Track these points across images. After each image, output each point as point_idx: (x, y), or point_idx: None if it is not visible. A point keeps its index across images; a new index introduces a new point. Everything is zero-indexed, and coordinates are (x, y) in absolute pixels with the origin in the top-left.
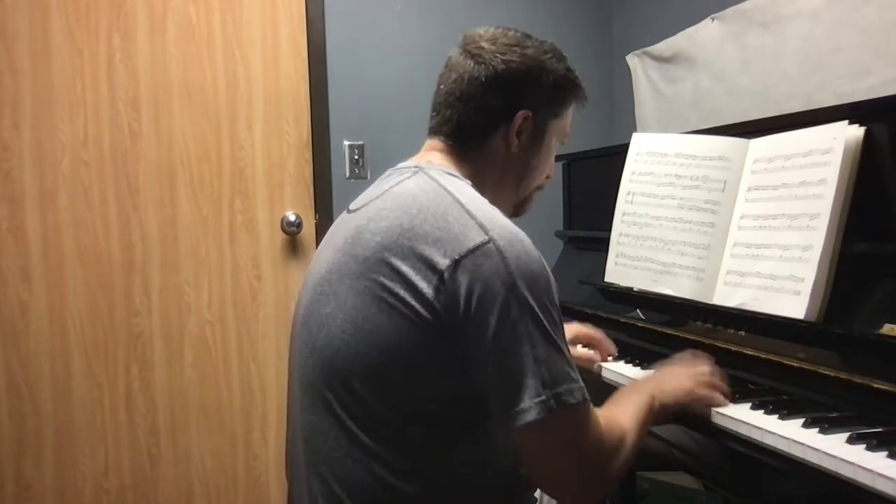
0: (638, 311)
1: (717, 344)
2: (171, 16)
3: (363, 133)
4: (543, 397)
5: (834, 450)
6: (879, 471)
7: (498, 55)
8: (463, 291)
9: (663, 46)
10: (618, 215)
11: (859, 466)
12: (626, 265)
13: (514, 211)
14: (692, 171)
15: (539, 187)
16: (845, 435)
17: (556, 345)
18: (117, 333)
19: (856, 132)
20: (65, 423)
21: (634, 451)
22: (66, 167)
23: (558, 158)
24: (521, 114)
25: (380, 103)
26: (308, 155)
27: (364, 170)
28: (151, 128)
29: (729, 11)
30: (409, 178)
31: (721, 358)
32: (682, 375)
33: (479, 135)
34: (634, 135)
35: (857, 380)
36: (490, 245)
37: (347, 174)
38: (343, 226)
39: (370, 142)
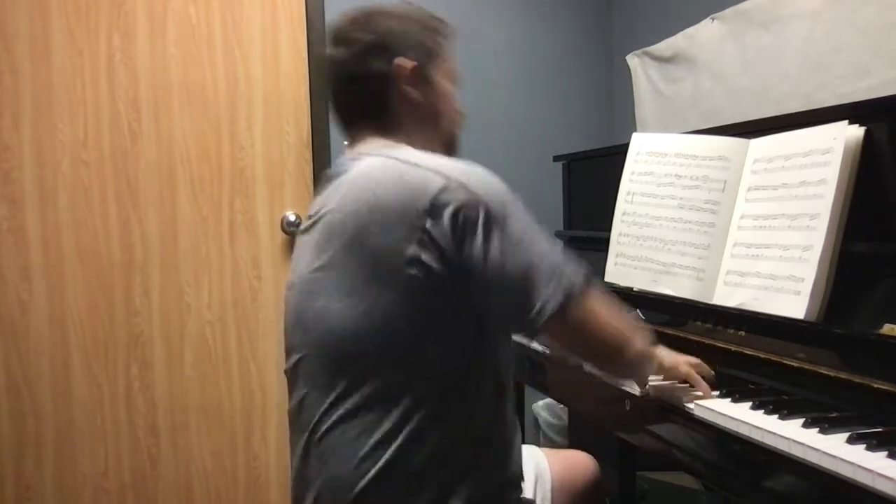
0: (638, 311)
1: (717, 344)
2: (171, 16)
3: None
4: (551, 289)
5: (834, 450)
6: (879, 471)
7: (361, 30)
8: (446, 232)
9: (663, 46)
10: (618, 215)
11: (859, 466)
12: (626, 265)
13: (446, 152)
14: (692, 171)
15: (458, 126)
16: (845, 435)
17: (543, 240)
18: (117, 333)
19: (856, 132)
20: (65, 423)
21: (649, 353)
22: (66, 167)
23: (558, 159)
24: (403, 65)
25: None
26: (308, 155)
27: None
28: (151, 128)
29: (729, 11)
30: (354, 166)
31: (721, 358)
32: (675, 354)
33: (382, 102)
34: (634, 135)
35: (857, 380)
36: (450, 183)
37: None
38: (307, 236)
39: None
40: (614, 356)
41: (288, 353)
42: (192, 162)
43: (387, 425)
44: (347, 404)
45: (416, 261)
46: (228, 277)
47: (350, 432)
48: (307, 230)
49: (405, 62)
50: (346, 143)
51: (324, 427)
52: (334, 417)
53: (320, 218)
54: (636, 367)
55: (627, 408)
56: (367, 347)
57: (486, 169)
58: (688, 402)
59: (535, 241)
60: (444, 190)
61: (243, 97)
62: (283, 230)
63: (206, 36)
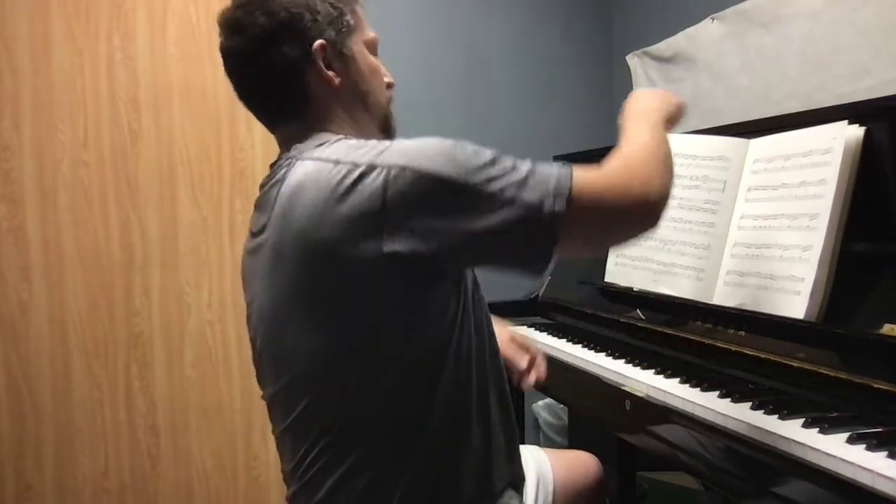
0: (638, 311)
1: (717, 344)
2: (171, 16)
3: None
4: (546, 209)
5: (834, 450)
6: (879, 471)
7: (256, 12)
8: (404, 226)
9: (663, 46)
10: None
11: (859, 466)
12: (626, 265)
13: (384, 132)
14: (692, 171)
15: (389, 100)
16: (845, 435)
17: (506, 170)
18: (117, 333)
19: (856, 132)
20: (65, 423)
21: (663, 152)
22: (66, 167)
23: (558, 159)
24: (315, 46)
25: None
26: None
27: None
28: (151, 128)
29: (729, 11)
30: (289, 172)
31: (721, 358)
32: (653, 93)
33: (301, 92)
34: None
35: (857, 380)
36: (385, 171)
37: None
38: (256, 249)
39: None
40: (644, 214)
41: (262, 384)
42: (192, 162)
43: (350, 461)
44: (317, 449)
45: (374, 261)
46: (228, 277)
47: (316, 468)
48: (254, 251)
49: (317, 42)
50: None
51: (297, 465)
52: (308, 460)
53: (266, 241)
54: (665, 193)
55: (628, 408)
56: (327, 384)
57: (422, 137)
58: None
59: (495, 182)
60: (385, 183)
61: None
62: None
63: (206, 36)
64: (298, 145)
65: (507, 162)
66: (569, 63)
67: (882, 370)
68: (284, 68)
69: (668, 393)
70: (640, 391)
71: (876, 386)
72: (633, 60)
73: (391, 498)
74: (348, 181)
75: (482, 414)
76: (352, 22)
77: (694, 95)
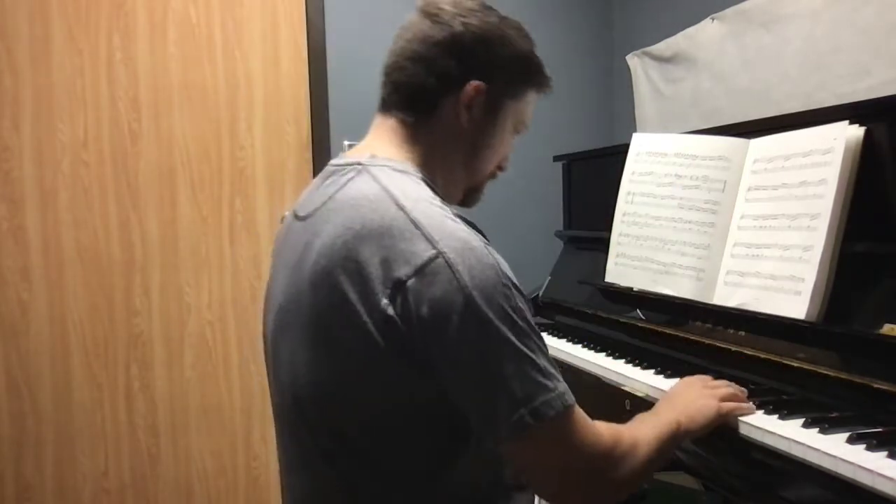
0: (638, 311)
1: (717, 344)
2: (171, 16)
3: (363, 133)
4: (516, 417)
5: (834, 450)
6: (879, 471)
7: (458, 17)
8: (414, 315)
9: (663, 46)
10: (618, 215)
11: (859, 466)
12: (626, 265)
13: (464, 200)
14: (692, 171)
15: (491, 175)
16: (845, 435)
17: (526, 356)
18: (117, 333)
19: (856, 132)
20: (65, 423)
21: (649, 467)
22: (66, 167)
23: (558, 159)
24: (473, 83)
25: None
26: (308, 155)
27: None
28: (151, 128)
29: (729, 11)
30: (352, 180)
31: (721, 358)
32: (703, 395)
33: (430, 100)
34: (634, 135)
35: (857, 380)
36: (439, 260)
37: None
38: (293, 238)
39: None
40: (585, 495)
41: (267, 372)
42: (192, 162)
43: (340, 483)
44: (313, 452)
45: (379, 326)
46: (228, 277)
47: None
48: (293, 239)
49: (478, 82)
50: (346, 143)
51: (296, 482)
52: (304, 477)
53: (305, 233)
54: (617, 497)
55: (628, 408)
56: (328, 401)
57: (488, 247)
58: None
59: (510, 356)
60: (429, 266)
61: (243, 97)
62: None
63: (206, 36)
64: (382, 150)
65: (535, 339)
66: (569, 63)
67: (882, 370)
68: (438, 74)
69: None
70: (641, 391)
71: (876, 386)
72: (633, 60)
73: None
74: (397, 234)
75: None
76: (522, 94)
77: (694, 95)
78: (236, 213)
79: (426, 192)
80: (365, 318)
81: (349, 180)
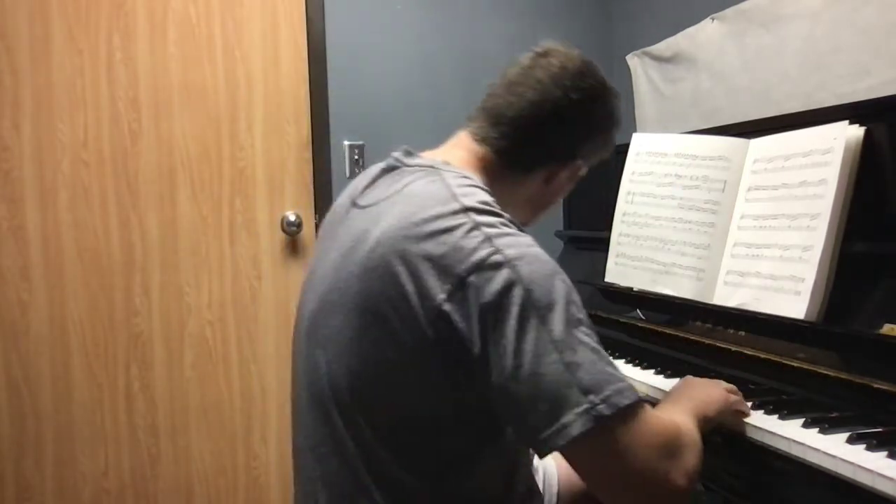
0: (638, 311)
1: (717, 344)
2: (171, 16)
3: (363, 133)
4: (587, 405)
5: (834, 450)
6: (879, 471)
7: (586, 103)
8: (474, 310)
9: (663, 46)
10: (618, 215)
11: (859, 466)
12: (626, 265)
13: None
14: (692, 171)
15: (538, 218)
16: (845, 435)
17: (589, 345)
18: (117, 333)
19: (856, 132)
20: (65, 423)
21: (701, 450)
22: (66, 167)
23: None
24: (575, 165)
25: (380, 103)
26: (308, 155)
27: (364, 170)
28: (151, 128)
29: (729, 11)
30: (421, 178)
31: (721, 358)
32: (711, 384)
33: (527, 165)
34: (634, 135)
35: (857, 380)
36: (498, 256)
37: (347, 174)
38: (352, 224)
39: (370, 142)
40: (653, 496)
41: (295, 353)
42: (192, 162)
43: (373, 474)
44: (346, 435)
45: (431, 320)
46: (228, 277)
47: (349, 470)
48: (346, 224)
49: (580, 162)
50: (426, 151)
51: (314, 474)
52: (334, 443)
53: (361, 219)
54: (683, 497)
55: None
56: (368, 387)
57: (541, 249)
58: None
59: (573, 345)
60: (487, 262)
61: (243, 97)
62: (283, 230)
63: (206, 36)
64: (456, 163)
65: (594, 334)
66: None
67: (882, 370)
68: (547, 149)
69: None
70: (641, 391)
71: (876, 386)
72: (633, 60)
73: None
74: (459, 232)
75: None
76: (592, 158)
77: (694, 95)
78: (236, 213)
79: (490, 199)
80: (418, 310)
81: (417, 178)
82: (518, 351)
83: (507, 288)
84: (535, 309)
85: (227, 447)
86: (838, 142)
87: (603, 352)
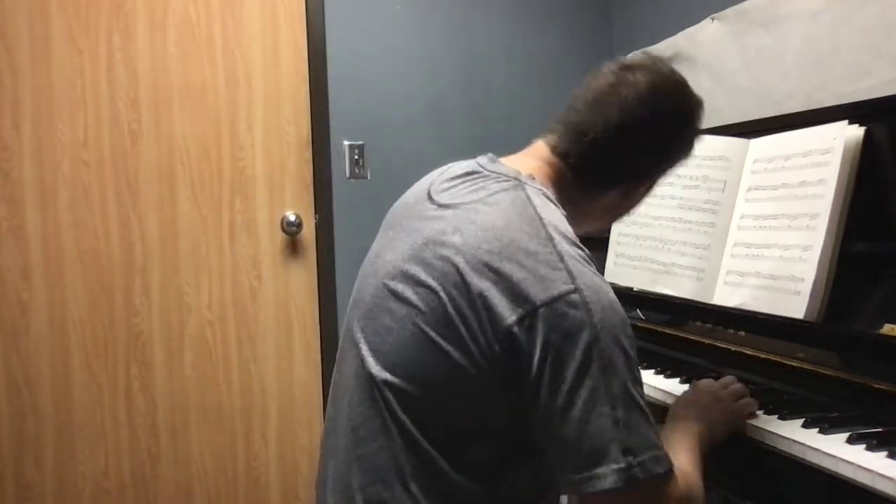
0: (638, 311)
1: (717, 344)
2: (171, 16)
3: (363, 133)
4: (624, 465)
5: (834, 450)
6: (879, 471)
7: (676, 123)
8: (540, 340)
9: (663, 46)
10: None
11: (859, 466)
12: (626, 265)
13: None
14: (692, 170)
15: (596, 229)
16: (845, 435)
17: (640, 406)
18: (117, 333)
19: (856, 132)
20: (65, 423)
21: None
22: (66, 167)
23: None
24: (649, 184)
25: (380, 103)
26: (308, 155)
27: (364, 170)
28: (151, 128)
29: (729, 11)
30: (506, 190)
31: (721, 358)
32: (714, 401)
33: (606, 184)
34: None
35: (857, 380)
36: (575, 295)
37: (347, 174)
38: (426, 218)
39: (370, 142)
40: None
41: (348, 328)
42: (192, 162)
43: (414, 461)
44: (389, 420)
45: (498, 336)
46: (228, 277)
47: (387, 453)
48: (422, 217)
49: (651, 179)
50: (507, 157)
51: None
52: (375, 425)
53: (440, 219)
54: None
55: None
56: (421, 386)
57: (615, 296)
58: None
59: (626, 403)
60: (565, 298)
61: (243, 97)
62: (283, 230)
63: (206, 36)
64: (540, 176)
65: (643, 393)
66: (569, 63)
67: (882, 370)
68: (626, 163)
69: (669, 393)
70: None
71: (876, 386)
72: None
73: None
74: (542, 259)
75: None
76: (664, 174)
77: None
78: (236, 213)
79: (571, 230)
80: (486, 324)
81: (503, 190)
82: (573, 394)
83: (578, 329)
84: (600, 358)
85: (227, 447)
86: (838, 142)
87: (649, 414)
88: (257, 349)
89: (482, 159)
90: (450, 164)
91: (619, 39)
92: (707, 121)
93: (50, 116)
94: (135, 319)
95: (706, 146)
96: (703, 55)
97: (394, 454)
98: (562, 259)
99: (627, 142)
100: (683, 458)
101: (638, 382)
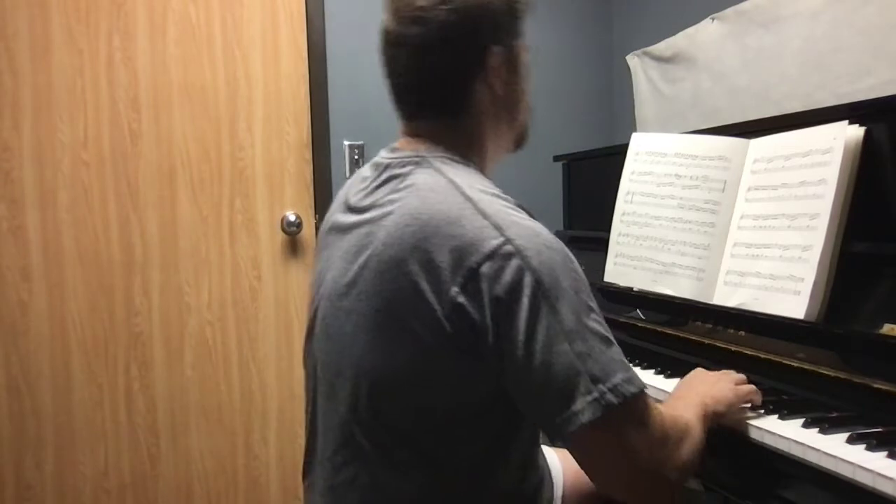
0: (638, 311)
1: (717, 344)
2: (171, 16)
3: (363, 133)
4: (596, 394)
5: (834, 450)
6: (879, 471)
7: (440, 6)
8: (486, 300)
9: (663, 46)
10: (617, 215)
11: (859, 466)
12: (626, 265)
13: (516, 145)
14: (692, 171)
15: (530, 118)
16: (845, 435)
17: (598, 333)
18: (117, 333)
19: (856, 132)
20: (65, 423)
21: (698, 448)
22: (66, 167)
23: (558, 159)
24: (494, 54)
25: (380, 103)
26: (308, 155)
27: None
28: (151, 128)
29: (729, 11)
30: (414, 171)
31: (721, 358)
32: (720, 379)
33: (463, 94)
34: (634, 135)
35: (857, 380)
36: (508, 246)
37: (347, 174)
38: (349, 228)
39: (370, 142)
40: (646, 484)
41: (309, 355)
42: (192, 162)
43: (400, 470)
44: (362, 436)
45: (447, 313)
46: (228, 277)
47: (366, 467)
48: (348, 229)
49: (496, 48)
50: (399, 140)
51: (338, 452)
52: (348, 447)
53: (365, 223)
54: (674, 487)
55: None
56: (388, 385)
57: (552, 235)
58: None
59: (583, 334)
60: (498, 252)
61: (243, 97)
62: (283, 230)
63: (206, 36)
64: (433, 147)
65: (603, 321)
66: (569, 63)
67: (882, 370)
68: (458, 66)
69: (669, 393)
70: None
71: (876, 386)
72: (633, 60)
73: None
74: (466, 223)
75: (537, 441)
76: (521, 28)
77: (694, 95)
78: (236, 213)
79: (489, 185)
80: (435, 305)
81: (411, 172)
82: (530, 342)
83: (519, 278)
84: (546, 298)
85: (227, 447)
86: (838, 142)
87: (611, 338)
88: (257, 349)
89: (383, 151)
90: (359, 171)
91: (619, 39)
92: (707, 121)
93: (50, 116)
94: (135, 319)
95: (706, 146)
96: (703, 55)
97: (376, 478)
98: (485, 216)
99: (432, 52)
100: (678, 403)
101: (592, 310)
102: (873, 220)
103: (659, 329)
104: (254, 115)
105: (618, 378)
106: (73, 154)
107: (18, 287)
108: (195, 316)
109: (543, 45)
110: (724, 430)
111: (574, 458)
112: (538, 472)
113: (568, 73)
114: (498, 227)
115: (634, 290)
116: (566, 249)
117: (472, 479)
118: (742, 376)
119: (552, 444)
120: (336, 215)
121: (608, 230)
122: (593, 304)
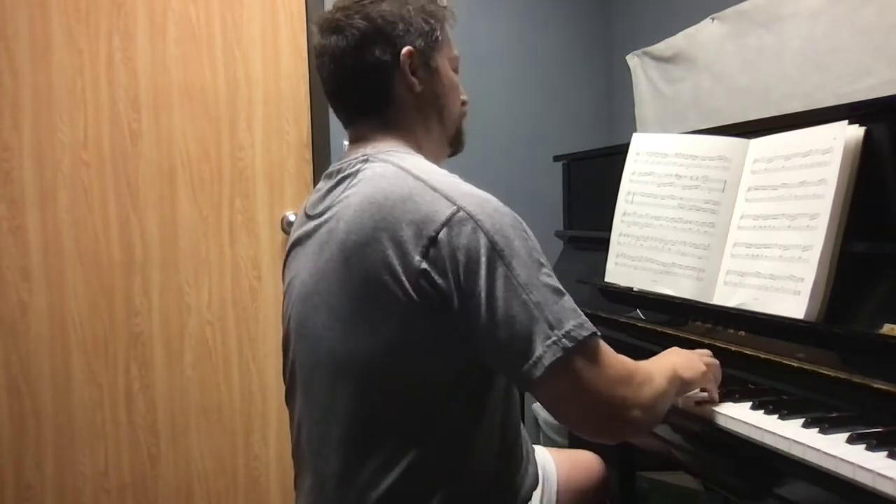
0: (638, 311)
1: (717, 344)
2: (171, 16)
3: None
4: (553, 338)
5: (834, 450)
6: (879, 471)
7: (355, 16)
8: (448, 265)
9: (663, 46)
10: (618, 215)
11: (859, 466)
12: (626, 265)
13: (452, 148)
14: (692, 171)
15: (462, 115)
16: (845, 435)
17: (550, 286)
18: (117, 333)
19: (856, 132)
20: (65, 423)
21: (662, 401)
22: (66, 167)
23: (558, 159)
24: (404, 52)
25: None
26: (308, 155)
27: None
28: (151, 128)
29: (729, 11)
30: (363, 168)
31: (721, 358)
32: (693, 354)
33: (385, 94)
34: (634, 135)
35: (857, 380)
36: (461, 213)
37: None
38: (311, 232)
39: None
40: (611, 421)
41: (289, 360)
42: (192, 162)
43: (383, 454)
44: (342, 427)
45: (414, 284)
46: (228, 277)
47: (350, 456)
48: (309, 234)
49: (406, 49)
50: (346, 142)
51: (321, 448)
52: (330, 441)
53: (324, 223)
54: (639, 429)
55: None
56: (365, 372)
57: (500, 202)
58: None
59: (537, 286)
60: (452, 219)
61: (243, 97)
62: (283, 230)
63: (206, 36)
64: (374, 145)
65: (554, 276)
66: (569, 63)
67: (882, 370)
68: (374, 68)
69: None
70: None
71: (876, 386)
72: (633, 60)
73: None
74: (419, 199)
75: (515, 417)
76: (440, 38)
77: (694, 95)
78: (236, 213)
79: (436, 166)
80: (402, 276)
81: (360, 170)
82: (490, 299)
83: (475, 241)
84: (501, 257)
85: (227, 447)
86: (838, 142)
87: (563, 290)
88: (257, 349)
89: (334, 163)
90: (316, 186)
91: (619, 39)
92: (707, 121)
93: (50, 116)
94: (135, 319)
95: (706, 146)
96: (703, 55)
97: (360, 463)
98: (435, 189)
99: (351, 57)
100: (650, 364)
101: (543, 266)
102: (873, 220)
103: (659, 329)
104: (254, 115)
105: (570, 324)
106: (73, 154)
107: (18, 287)
108: (195, 316)
109: (543, 45)
110: (724, 430)
111: (543, 405)
112: (519, 461)
113: (568, 73)
114: (449, 198)
115: (634, 290)
116: (515, 214)
117: (451, 459)
118: (707, 351)
119: (551, 443)
120: (297, 231)
121: (608, 230)
122: (544, 261)
